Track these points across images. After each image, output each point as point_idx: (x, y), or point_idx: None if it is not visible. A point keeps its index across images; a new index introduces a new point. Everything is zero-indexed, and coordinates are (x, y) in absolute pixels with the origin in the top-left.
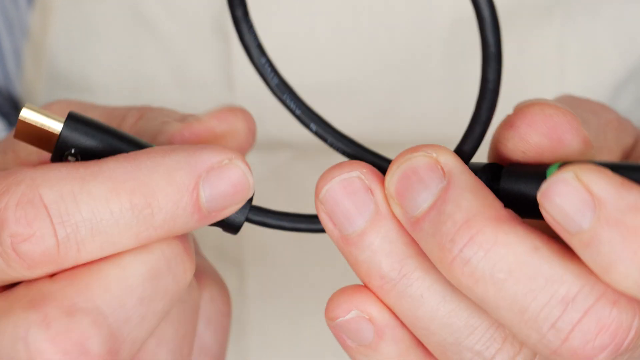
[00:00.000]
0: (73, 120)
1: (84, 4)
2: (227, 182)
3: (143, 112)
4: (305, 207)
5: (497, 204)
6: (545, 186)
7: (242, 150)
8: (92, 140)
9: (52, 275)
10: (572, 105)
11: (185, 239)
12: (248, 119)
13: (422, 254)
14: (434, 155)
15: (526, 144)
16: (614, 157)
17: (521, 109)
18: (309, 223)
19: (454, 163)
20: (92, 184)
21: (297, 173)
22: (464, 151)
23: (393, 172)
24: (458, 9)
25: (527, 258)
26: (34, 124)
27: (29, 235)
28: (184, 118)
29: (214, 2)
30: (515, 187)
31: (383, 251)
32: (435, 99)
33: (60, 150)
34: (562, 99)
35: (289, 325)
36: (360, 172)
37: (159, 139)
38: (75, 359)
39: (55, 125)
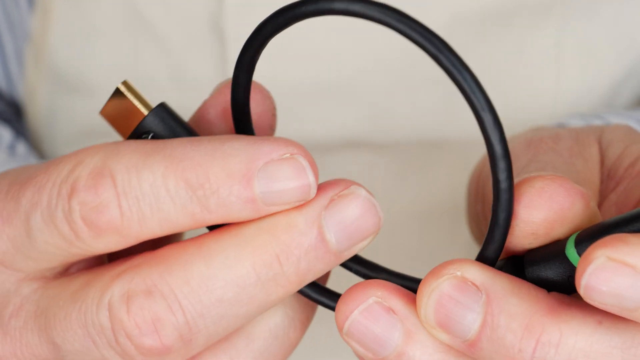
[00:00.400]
0: (161, 108)
1: (84, 5)
2: (284, 177)
3: None
4: None
5: (542, 295)
6: (585, 280)
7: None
8: (169, 132)
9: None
10: (570, 149)
11: (283, 253)
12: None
13: (462, 354)
14: (459, 273)
15: (532, 225)
16: (596, 185)
17: (533, 188)
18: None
19: (482, 274)
20: (153, 159)
21: None
22: (488, 257)
23: (425, 304)
24: (455, 8)
25: (597, 336)
26: (128, 98)
27: (96, 204)
28: None
29: (211, 3)
30: (542, 274)
31: None
32: (432, 98)
33: (139, 131)
34: (564, 140)
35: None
36: (376, 297)
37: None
38: (144, 335)
39: (143, 108)
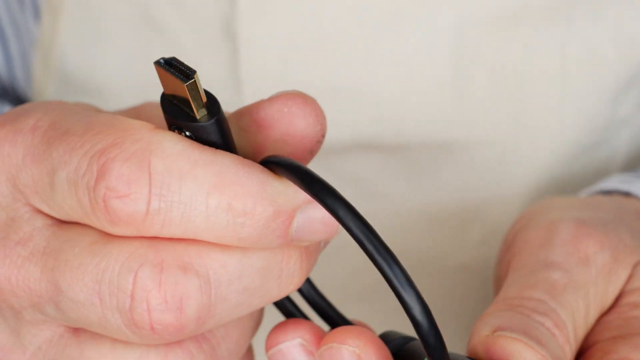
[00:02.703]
0: (219, 119)
1: (94, 7)
2: (320, 220)
3: None
4: None
5: None
6: None
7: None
8: (214, 141)
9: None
10: (566, 251)
11: (309, 254)
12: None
13: None
14: (358, 351)
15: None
16: (605, 304)
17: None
18: None
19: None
20: (201, 171)
21: None
22: None
23: (322, 351)
24: (464, 12)
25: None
26: (197, 89)
27: (124, 194)
28: None
29: (223, 5)
30: None
31: None
32: (442, 100)
33: (182, 126)
34: (559, 232)
35: None
36: (303, 339)
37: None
38: (168, 310)
39: (201, 111)
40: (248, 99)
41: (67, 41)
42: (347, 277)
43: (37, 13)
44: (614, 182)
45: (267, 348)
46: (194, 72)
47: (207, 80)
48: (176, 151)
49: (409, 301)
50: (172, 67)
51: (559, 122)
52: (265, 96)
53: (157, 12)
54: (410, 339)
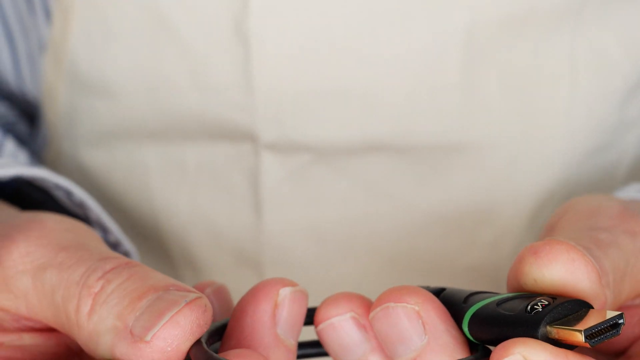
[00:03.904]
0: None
1: (104, 7)
2: None
3: (95, 296)
4: (324, 211)
5: None
6: None
7: (201, 332)
8: None
9: None
10: (613, 223)
11: None
12: (192, 319)
13: None
14: (417, 308)
15: (540, 275)
16: (634, 283)
17: (549, 243)
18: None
19: (436, 319)
20: None
21: (315, 176)
22: None
23: (376, 313)
24: (474, 14)
25: None
26: None
27: None
28: (135, 322)
29: (234, 5)
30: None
31: None
32: (452, 102)
33: None
34: (607, 208)
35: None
36: (355, 313)
37: (116, 354)
38: None
39: None
40: (259, 101)
41: (78, 41)
42: (356, 277)
43: (48, 14)
44: (632, 192)
45: (317, 322)
46: None
47: (217, 81)
48: None
49: None
50: None
51: (568, 124)
52: (277, 98)
53: (167, 12)
54: (442, 289)
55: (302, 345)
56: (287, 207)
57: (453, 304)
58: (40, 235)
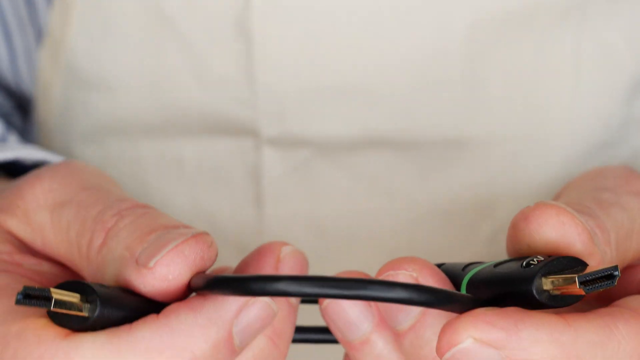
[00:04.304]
0: (100, 302)
1: (105, 2)
2: (256, 320)
3: (108, 230)
4: (325, 206)
5: None
6: (450, 355)
7: (205, 267)
8: (115, 310)
9: None
10: (617, 183)
11: (278, 333)
12: (196, 250)
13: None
14: (415, 275)
15: (532, 239)
16: None
17: (538, 207)
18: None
19: (434, 283)
20: (129, 355)
21: (318, 171)
22: None
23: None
24: (477, 9)
25: None
26: (64, 300)
27: None
28: (142, 251)
29: (237, 2)
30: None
31: (384, 356)
32: (454, 98)
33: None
34: (612, 170)
35: (312, 322)
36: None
37: (120, 281)
38: None
39: (84, 312)
40: (261, 96)
41: (77, 35)
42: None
43: (49, 0)
44: None
45: (321, 300)
46: (49, 291)
47: (219, 76)
48: (97, 349)
49: (402, 297)
50: (31, 299)
51: (571, 121)
52: (279, 93)
53: (168, 8)
54: (441, 264)
55: (305, 330)
56: (289, 202)
57: (452, 272)
58: (65, 175)
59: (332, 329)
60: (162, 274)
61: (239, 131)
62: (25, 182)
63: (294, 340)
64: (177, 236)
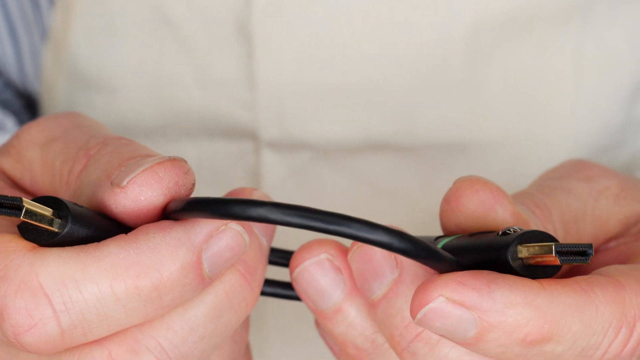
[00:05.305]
0: (69, 213)
1: (106, 2)
2: (226, 248)
3: (90, 157)
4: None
5: None
6: (421, 314)
7: (179, 194)
8: (86, 229)
9: None
10: (567, 172)
11: (250, 269)
12: (171, 174)
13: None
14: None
15: (457, 218)
16: (606, 225)
17: (454, 184)
18: (287, 289)
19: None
20: (94, 269)
21: (317, 173)
22: None
23: (353, 253)
24: (478, 11)
25: (468, 357)
26: (35, 211)
27: (30, 326)
28: (118, 173)
29: (237, 2)
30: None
31: (356, 325)
32: (456, 101)
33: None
34: (567, 162)
35: (308, 324)
36: (329, 254)
37: (93, 203)
38: None
39: (53, 227)
40: (261, 97)
41: (79, 36)
42: None
43: (51, 1)
44: None
45: (292, 270)
46: (20, 199)
47: (220, 78)
48: (62, 262)
49: (382, 240)
50: (2, 207)
51: (573, 124)
52: (279, 95)
53: (169, 9)
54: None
55: (275, 284)
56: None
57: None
58: (64, 117)
59: (304, 298)
60: (134, 194)
61: (238, 134)
62: (24, 126)
63: (263, 293)
64: (154, 159)
